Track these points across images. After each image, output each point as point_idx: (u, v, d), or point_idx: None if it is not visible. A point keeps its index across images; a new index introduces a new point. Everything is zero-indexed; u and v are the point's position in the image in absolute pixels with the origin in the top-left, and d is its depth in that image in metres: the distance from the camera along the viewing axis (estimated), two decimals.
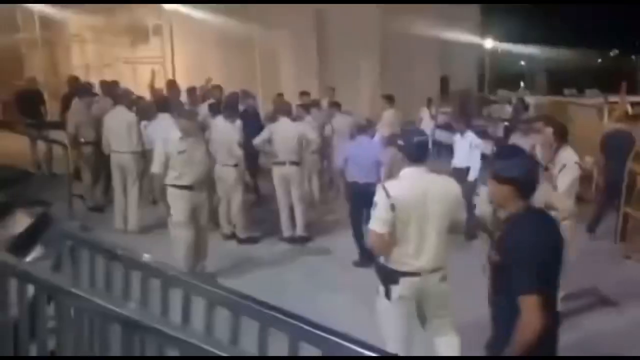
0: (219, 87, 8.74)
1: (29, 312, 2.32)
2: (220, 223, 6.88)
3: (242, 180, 6.76)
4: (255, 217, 7.32)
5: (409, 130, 3.84)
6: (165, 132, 5.59)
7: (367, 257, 5.09)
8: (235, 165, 6.57)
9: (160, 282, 2.52)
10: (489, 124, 12.32)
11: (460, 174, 6.80)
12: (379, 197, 3.16)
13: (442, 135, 12.93)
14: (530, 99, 14.21)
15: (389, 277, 3.22)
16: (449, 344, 3.41)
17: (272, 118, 7.77)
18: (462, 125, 7.16)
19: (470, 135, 7.06)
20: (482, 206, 3.11)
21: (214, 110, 7.37)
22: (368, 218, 3.34)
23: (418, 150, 3.25)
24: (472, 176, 6.81)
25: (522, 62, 34.00)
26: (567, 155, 4.51)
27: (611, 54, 35.47)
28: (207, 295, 2.38)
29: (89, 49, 14.71)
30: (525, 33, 24.53)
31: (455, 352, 3.40)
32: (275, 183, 6.85)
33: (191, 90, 9.01)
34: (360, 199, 5.49)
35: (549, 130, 4.70)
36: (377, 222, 3.15)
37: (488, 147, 9.24)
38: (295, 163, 6.75)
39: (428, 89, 16.78)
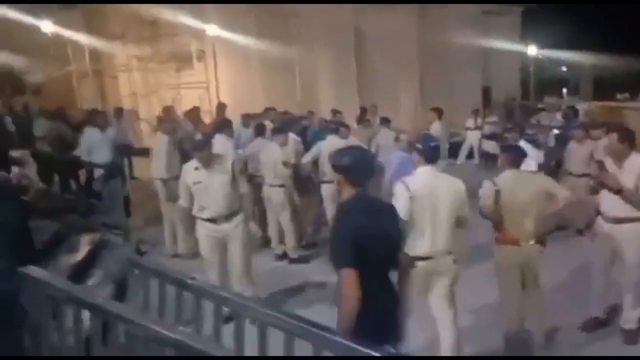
0: (273, 109, 8.77)
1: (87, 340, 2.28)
2: (272, 244, 6.82)
3: (290, 201, 6.67)
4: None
5: (425, 135, 4.29)
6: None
7: None
8: (282, 186, 6.51)
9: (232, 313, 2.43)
10: (539, 133, 11.89)
11: None
12: (400, 190, 3.65)
13: (489, 145, 12.59)
14: (579, 105, 13.73)
15: (409, 263, 3.56)
16: (447, 318, 3.84)
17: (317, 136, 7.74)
18: (515, 134, 6.88)
19: (522, 145, 6.77)
20: (485, 198, 4.11)
21: (259, 131, 7.33)
22: None
23: (432, 153, 3.79)
24: None
25: (564, 68, 33.06)
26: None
27: None
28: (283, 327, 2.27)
29: (136, 78, 15.10)
30: (566, 39, 23.91)
31: (451, 324, 3.83)
32: (325, 203, 6.76)
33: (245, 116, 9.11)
34: None
35: (614, 137, 4.42)
36: (401, 214, 3.46)
37: (540, 157, 8.90)
38: None
39: (470, 99, 16.49)
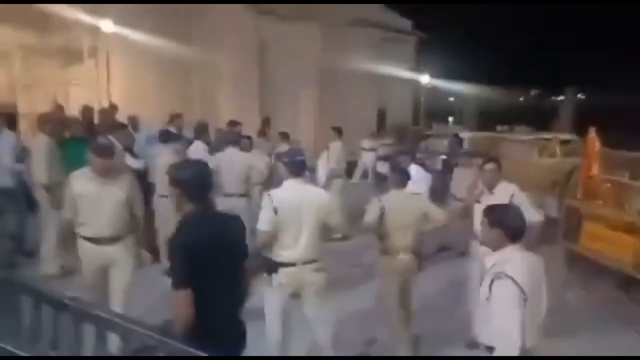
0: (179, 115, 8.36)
1: None
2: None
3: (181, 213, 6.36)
4: None
5: (292, 150, 4.44)
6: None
7: None
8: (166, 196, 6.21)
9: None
10: (428, 157, 12.56)
11: None
12: (265, 202, 3.86)
13: (383, 167, 13.09)
14: (464, 134, 14.69)
15: (271, 268, 3.89)
16: (323, 319, 4.08)
17: (217, 147, 7.51)
18: (406, 157, 7.20)
19: (414, 169, 7.07)
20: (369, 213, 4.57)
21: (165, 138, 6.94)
22: None
23: (299, 166, 3.98)
24: None
25: (452, 99, 35.53)
26: (509, 185, 4.90)
27: (532, 93, 37.79)
28: None
29: (17, 68, 13.84)
30: (456, 70, 25.74)
31: (328, 326, 4.10)
32: None
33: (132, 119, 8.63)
34: None
35: (491, 166, 4.94)
36: (263, 222, 3.83)
37: (429, 180, 9.37)
38: (243, 195, 6.50)
39: (366, 121, 17.09)
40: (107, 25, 12.27)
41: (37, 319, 2.49)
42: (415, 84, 22.56)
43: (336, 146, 8.31)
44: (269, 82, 15.58)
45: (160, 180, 6.21)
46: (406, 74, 20.48)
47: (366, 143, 14.22)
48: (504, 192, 4.79)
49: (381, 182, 10.93)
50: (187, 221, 2.67)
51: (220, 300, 2.60)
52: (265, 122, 11.33)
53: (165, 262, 6.40)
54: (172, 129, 7.47)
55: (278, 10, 15.09)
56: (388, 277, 4.64)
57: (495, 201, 4.57)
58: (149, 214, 6.39)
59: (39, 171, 6.19)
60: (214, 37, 14.02)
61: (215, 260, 2.55)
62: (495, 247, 2.87)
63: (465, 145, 14.58)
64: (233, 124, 9.06)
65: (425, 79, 22.79)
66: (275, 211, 3.81)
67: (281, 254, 3.88)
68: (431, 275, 5.78)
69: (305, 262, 3.89)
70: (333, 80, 16.91)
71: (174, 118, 8.22)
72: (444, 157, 12.15)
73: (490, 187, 4.88)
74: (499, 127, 19.46)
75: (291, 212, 3.84)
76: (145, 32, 12.60)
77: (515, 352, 2.64)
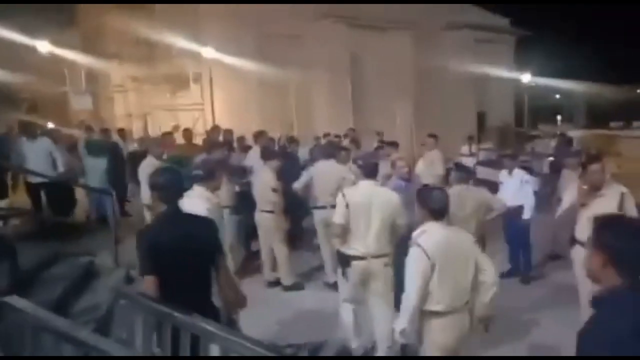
0: (263, 133, 8.68)
1: None
2: (263, 270, 6.70)
3: (281, 227, 6.55)
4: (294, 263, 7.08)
5: (366, 154, 5.25)
6: None
7: None
8: (271, 212, 6.41)
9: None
10: (534, 160, 11.91)
11: (510, 213, 6.49)
12: (339, 199, 4.43)
13: (483, 172, 12.59)
14: (573, 133, 13.78)
15: (344, 260, 4.36)
16: (384, 315, 4.35)
17: (312, 160, 7.64)
18: (511, 162, 6.84)
19: (519, 173, 6.74)
20: None
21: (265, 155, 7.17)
22: None
23: (370, 169, 4.60)
24: (527, 214, 6.46)
25: (558, 96, 33.39)
26: (618, 187, 4.54)
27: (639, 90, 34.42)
28: None
29: (131, 99, 15.09)
30: (560, 67, 24.21)
31: (387, 322, 4.16)
32: (317, 228, 6.65)
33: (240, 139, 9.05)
34: None
35: (597, 167, 4.55)
36: (336, 216, 4.39)
37: (536, 184, 8.87)
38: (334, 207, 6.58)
39: (465, 125, 16.58)
40: (208, 51, 13.02)
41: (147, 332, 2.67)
42: (517, 83, 21.55)
43: (433, 154, 8.11)
44: (362, 94, 15.66)
45: (260, 197, 6.44)
46: (506, 74, 19.63)
47: (465, 148, 13.78)
48: (613, 194, 4.44)
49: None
50: (157, 219, 3.14)
51: (184, 288, 2.89)
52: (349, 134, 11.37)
53: (267, 274, 6.64)
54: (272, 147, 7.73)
55: (368, 22, 15.16)
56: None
57: (603, 203, 4.34)
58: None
59: (144, 192, 6.60)
60: (307, 55, 14.39)
61: (178, 255, 2.90)
62: (420, 222, 3.39)
63: (575, 145, 13.71)
64: (329, 136, 9.26)
65: (526, 77, 21.71)
66: (347, 206, 4.33)
67: (353, 248, 4.32)
68: None
69: (374, 256, 4.29)
70: (428, 86, 16.64)
71: (257, 136, 8.50)
72: (551, 159, 11.47)
73: (597, 189, 4.50)
74: (612, 124, 18.04)
75: (362, 209, 4.31)
76: (244, 56, 13.21)
77: (409, 310, 3.19)
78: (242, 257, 7.39)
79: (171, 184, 3.06)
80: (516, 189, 6.60)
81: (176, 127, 10.79)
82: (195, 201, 3.80)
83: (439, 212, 3.32)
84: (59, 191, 8.00)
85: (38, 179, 7.55)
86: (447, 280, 3.25)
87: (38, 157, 7.54)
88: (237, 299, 3.31)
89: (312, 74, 14.56)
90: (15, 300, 2.37)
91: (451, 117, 16.40)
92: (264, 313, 5.58)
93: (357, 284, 4.36)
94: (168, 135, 9.02)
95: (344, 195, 4.41)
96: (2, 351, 2.42)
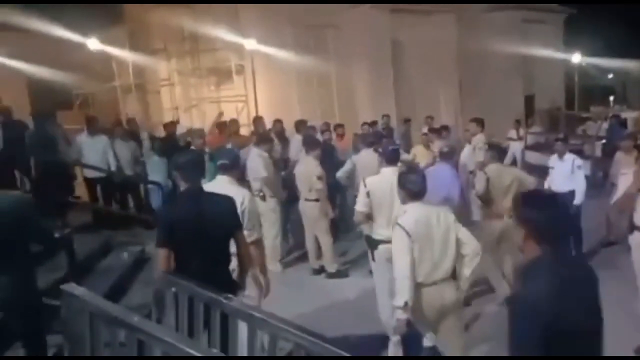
0: (303, 122, 8.77)
1: None
2: (309, 259, 6.78)
3: (325, 215, 6.60)
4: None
5: (386, 142, 5.26)
6: None
7: None
8: (317, 200, 6.46)
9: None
10: (585, 143, 11.50)
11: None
12: (361, 188, 4.66)
13: (532, 157, 12.28)
14: (627, 114, 13.22)
15: (372, 245, 4.61)
16: None
17: (355, 149, 7.66)
18: (562, 146, 6.61)
19: (570, 157, 6.51)
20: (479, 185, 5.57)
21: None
22: None
23: (392, 155, 4.77)
24: (578, 199, 6.25)
25: (610, 76, 31.91)
26: None
27: None
28: None
29: (178, 92, 15.40)
30: (612, 45, 23.10)
31: None
32: None
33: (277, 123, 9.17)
34: None
35: None
36: (358, 204, 4.68)
37: (587, 168, 8.58)
38: None
39: (512, 109, 16.13)
40: (250, 43, 13.13)
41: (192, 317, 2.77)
42: (566, 64, 20.77)
43: (479, 139, 7.94)
44: (405, 82, 15.45)
45: (304, 186, 6.50)
46: (554, 54, 18.94)
47: (512, 133, 13.42)
48: None
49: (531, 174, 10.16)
50: (178, 197, 3.39)
51: (202, 261, 3.11)
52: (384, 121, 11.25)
53: (312, 262, 6.72)
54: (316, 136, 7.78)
55: (408, 7, 14.91)
56: (489, 238, 5.27)
57: None
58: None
59: None
60: (348, 43, 14.30)
61: (196, 229, 3.12)
62: (402, 203, 3.72)
63: (630, 126, 13.15)
64: (368, 125, 9.25)
65: (576, 57, 20.87)
66: (368, 195, 4.55)
67: (378, 233, 4.54)
68: None
69: None
70: (473, 70, 16.27)
71: (298, 125, 8.60)
72: (603, 141, 11.06)
73: None
74: None
75: (383, 196, 4.51)
76: (284, 47, 13.26)
77: (405, 284, 3.40)
78: (287, 246, 7.52)
79: (191, 165, 3.28)
80: (567, 173, 6.41)
81: (220, 116, 10.91)
82: (227, 187, 3.89)
83: (417, 194, 3.62)
84: (121, 187, 8.39)
85: (96, 174, 7.97)
86: (426, 255, 3.53)
87: (96, 153, 7.94)
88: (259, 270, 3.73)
89: (352, 63, 14.46)
90: (73, 288, 2.49)
91: (498, 101, 15.98)
92: (306, 299, 5.69)
93: (384, 267, 4.41)
94: (222, 124, 9.30)
95: (365, 184, 4.62)
96: (64, 336, 2.55)
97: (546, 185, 6.69)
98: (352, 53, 14.36)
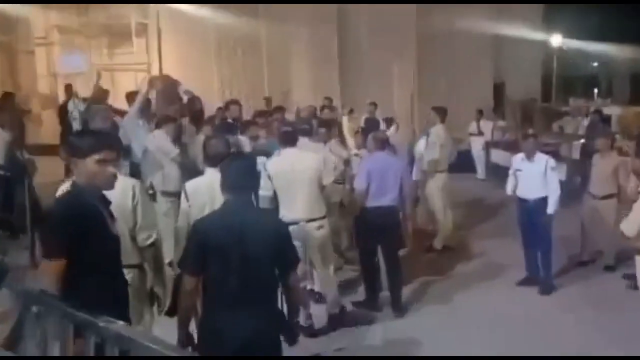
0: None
1: None
2: None
3: None
4: None
5: (285, 123, 6.62)
6: None
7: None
8: None
9: None
10: (562, 142, 12.01)
11: (530, 207, 6.56)
12: (262, 173, 4.98)
13: (499, 156, 12.65)
14: (611, 110, 13.95)
15: None
16: (325, 277, 5.65)
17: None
18: (531, 144, 6.81)
19: (542, 158, 6.72)
20: None
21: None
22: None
23: (286, 137, 5.63)
24: (551, 208, 6.48)
25: (595, 64, 33.26)
26: None
27: None
28: None
29: (58, 55, 14.88)
30: (598, 27, 24.19)
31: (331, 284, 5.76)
32: None
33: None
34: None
35: None
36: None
37: (563, 172, 8.94)
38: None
39: (478, 98, 16.57)
40: None
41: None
42: (545, 47, 21.59)
43: (438, 131, 8.11)
44: (352, 55, 15.55)
45: None
46: (532, 34, 19.58)
47: (473, 126, 13.81)
48: None
49: (497, 176, 10.52)
50: (217, 210, 3.45)
51: (229, 295, 3.16)
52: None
53: None
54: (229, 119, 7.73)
55: None
56: None
57: None
58: None
59: None
60: (284, 8, 14.22)
61: (227, 253, 3.15)
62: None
63: (614, 124, 13.86)
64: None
65: (557, 39, 21.79)
66: (270, 178, 5.26)
67: (284, 214, 5.10)
68: None
69: (308, 221, 5.35)
70: (435, 48, 16.57)
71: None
72: (582, 141, 11.60)
73: None
74: None
75: (284, 177, 5.33)
76: (201, 3, 13.08)
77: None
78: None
79: (236, 171, 3.43)
80: (538, 178, 6.59)
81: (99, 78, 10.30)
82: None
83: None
84: None
85: None
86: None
87: None
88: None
89: (288, 27, 14.43)
90: None
91: (461, 87, 16.37)
92: None
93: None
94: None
95: (264, 168, 5.24)
96: None
97: (508, 192, 6.92)
98: (287, 15, 14.30)
